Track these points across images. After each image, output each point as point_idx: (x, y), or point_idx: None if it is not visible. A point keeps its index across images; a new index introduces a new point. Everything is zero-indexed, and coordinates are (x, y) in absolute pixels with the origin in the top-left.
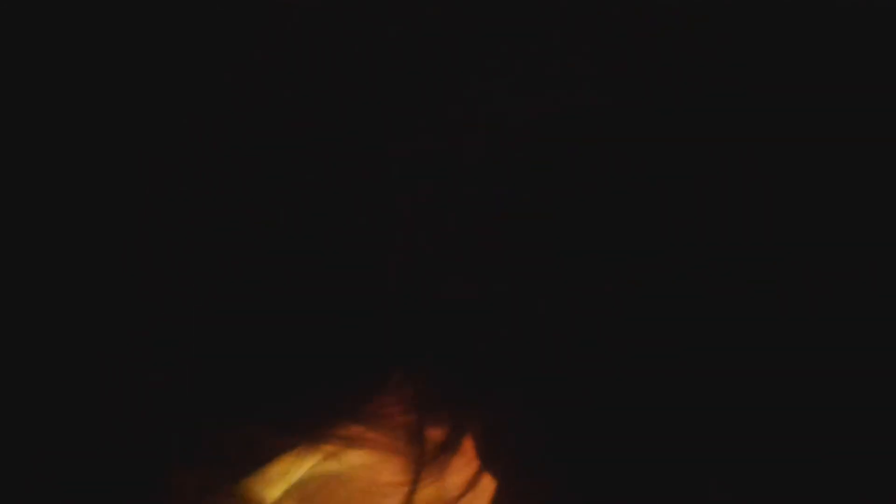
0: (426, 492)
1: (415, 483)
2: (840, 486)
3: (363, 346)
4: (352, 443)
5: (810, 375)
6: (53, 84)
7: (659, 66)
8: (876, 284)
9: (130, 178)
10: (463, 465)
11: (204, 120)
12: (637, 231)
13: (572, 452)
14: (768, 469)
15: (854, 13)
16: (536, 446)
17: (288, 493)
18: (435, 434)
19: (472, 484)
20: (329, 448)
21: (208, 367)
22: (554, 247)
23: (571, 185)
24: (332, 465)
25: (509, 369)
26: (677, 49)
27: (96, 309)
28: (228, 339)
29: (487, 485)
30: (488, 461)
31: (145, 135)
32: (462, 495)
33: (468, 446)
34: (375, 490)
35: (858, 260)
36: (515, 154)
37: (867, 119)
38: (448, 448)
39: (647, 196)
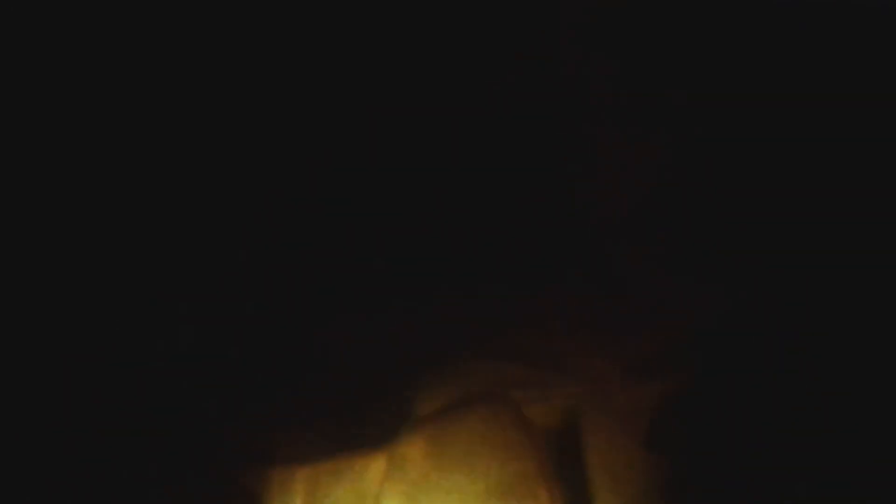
0: None
1: None
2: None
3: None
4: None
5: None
6: (55, 84)
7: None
8: (875, 285)
9: (138, 179)
10: None
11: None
12: None
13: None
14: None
15: (854, 13)
16: None
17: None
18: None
19: None
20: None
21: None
22: None
23: None
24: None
25: None
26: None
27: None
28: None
29: None
30: None
31: (159, 137)
32: None
33: None
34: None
35: (859, 260)
36: None
37: (867, 119)
38: None
39: None
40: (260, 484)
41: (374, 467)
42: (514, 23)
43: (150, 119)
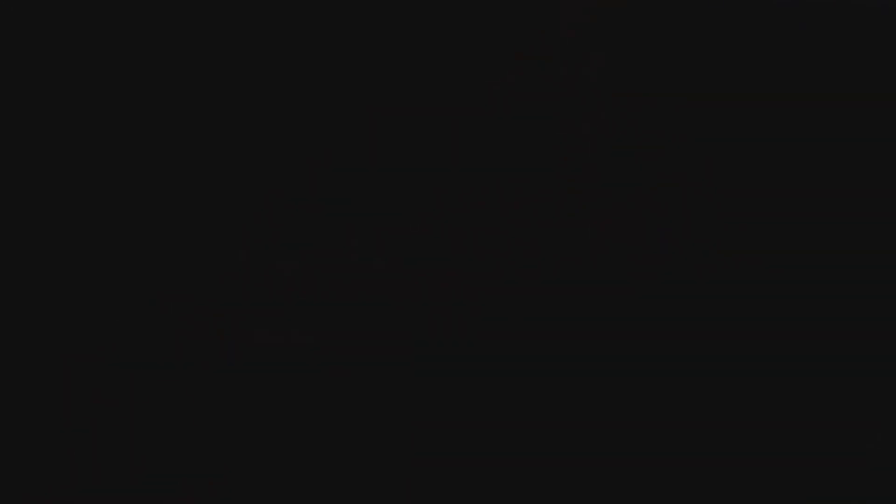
0: None
1: None
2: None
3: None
4: None
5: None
6: (54, 83)
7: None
8: (873, 285)
9: (143, 179)
10: None
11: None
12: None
13: None
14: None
15: (854, 13)
16: None
17: None
18: None
19: None
20: None
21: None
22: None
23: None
24: None
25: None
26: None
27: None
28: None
29: None
30: None
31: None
32: None
33: None
34: None
35: (857, 259)
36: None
37: (867, 119)
38: None
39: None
40: None
41: None
42: (514, 23)
43: (150, 118)
